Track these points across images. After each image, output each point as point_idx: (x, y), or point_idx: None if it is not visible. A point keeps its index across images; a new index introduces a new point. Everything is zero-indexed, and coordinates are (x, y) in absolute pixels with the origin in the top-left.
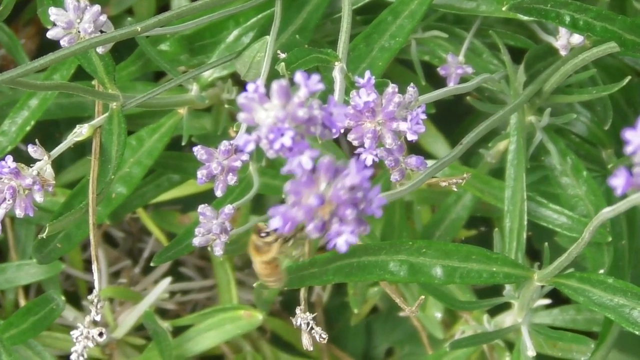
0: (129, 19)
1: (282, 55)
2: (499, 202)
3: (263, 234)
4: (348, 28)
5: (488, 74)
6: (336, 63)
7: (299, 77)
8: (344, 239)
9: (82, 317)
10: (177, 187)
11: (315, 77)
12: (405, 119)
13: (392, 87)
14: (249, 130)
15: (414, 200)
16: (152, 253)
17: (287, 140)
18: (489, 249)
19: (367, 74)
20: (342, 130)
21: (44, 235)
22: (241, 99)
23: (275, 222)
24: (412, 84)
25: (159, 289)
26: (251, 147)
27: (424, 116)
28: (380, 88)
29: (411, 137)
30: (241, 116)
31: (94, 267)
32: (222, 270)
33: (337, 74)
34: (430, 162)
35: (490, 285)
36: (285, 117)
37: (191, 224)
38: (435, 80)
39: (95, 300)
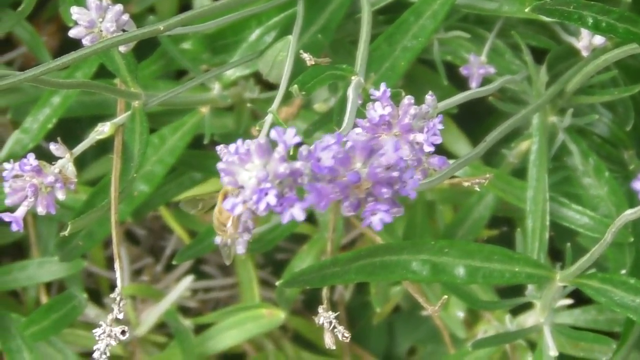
0: (151, 17)
1: (305, 55)
2: (521, 202)
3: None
4: (368, 37)
5: (510, 74)
6: (352, 78)
7: (274, 133)
8: (378, 218)
9: (104, 314)
10: (198, 185)
11: (291, 131)
12: (422, 130)
13: (408, 99)
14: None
15: (436, 200)
16: (173, 251)
17: (271, 199)
18: (511, 248)
19: (383, 86)
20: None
21: (66, 233)
22: (221, 164)
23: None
24: (430, 92)
25: (181, 287)
26: (239, 209)
27: (441, 126)
28: (395, 98)
29: (428, 148)
30: (224, 180)
31: (116, 264)
32: (244, 268)
33: (350, 92)
34: (451, 162)
35: (512, 285)
36: (266, 176)
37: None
38: (458, 80)
39: (118, 298)
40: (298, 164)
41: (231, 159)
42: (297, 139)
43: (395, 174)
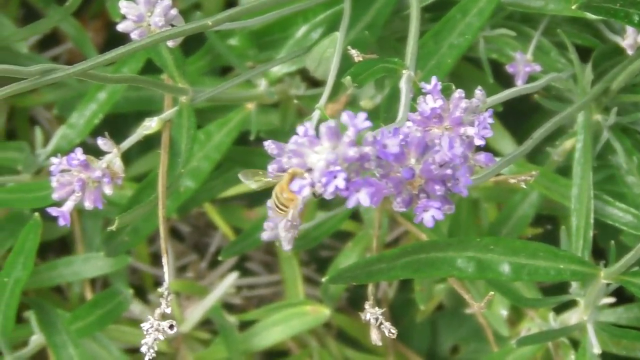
0: (198, 13)
1: (352, 51)
2: (566, 200)
3: None
4: (416, 33)
5: (556, 72)
6: (404, 71)
7: (345, 117)
8: (430, 214)
9: (149, 311)
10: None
11: (362, 115)
12: (472, 124)
13: (458, 93)
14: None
15: (480, 198)
16: (218, 247)
17: (340, 182)
18: (555, 247)
19: (434, 79)
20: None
21: (113, 227)
22: (291, 145)
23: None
24: (479, 87)
25: (226, 284)
26: (306, 191)
27: (491, 120)
28: (446, 92)
29: (479, 142)
30: (293, 162)
31: (164, 259)
32: (288, 265)
33: (403, 85)
34: (496, 159)
35: (556, 283)
36: (336, 159)
37: (258, 219)
38: (503, 78)
39: (166, 293)
40: (367, 149)
41: (300, 141)
42: (368, 123)
43: (448, 171)
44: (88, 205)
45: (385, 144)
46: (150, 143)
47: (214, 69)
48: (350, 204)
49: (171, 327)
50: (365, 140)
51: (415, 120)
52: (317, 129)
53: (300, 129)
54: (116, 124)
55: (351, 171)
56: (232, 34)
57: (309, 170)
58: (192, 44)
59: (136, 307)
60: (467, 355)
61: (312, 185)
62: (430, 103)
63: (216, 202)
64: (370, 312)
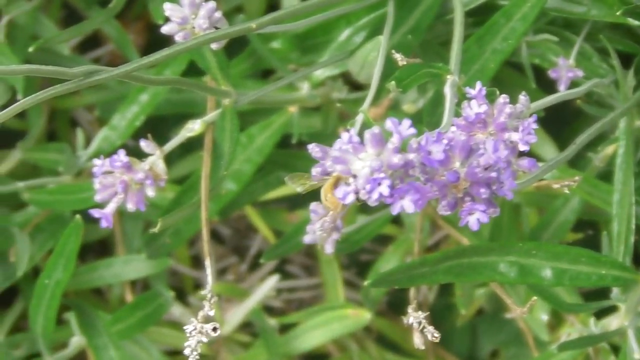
0: (241, 16)
1: (397, 55)
2: (607, 206)
3: None
4: (460, 38)
5: (598, 78)
6: (448, 76)
7: (389, 124)
8: (475, 218)
9: (189, 313)
10: (285, 185)
11: (406, 123)
12: (516, 129)
13: (503, 98)
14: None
15: (521, 202)
16: (259, 250)
17: (384, 189)
18: (596, 252)
19: (478, 84)
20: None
21: (155, 229)
22: (335, 151)
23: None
24: (523, 93)
25: (267, 286)
26: (351, 198)
27: (535, 126)
28: (490, 97)
29: (523, 147)
30: (337, 168)
31: (207, 262)
32: (328, 268)
33: (447, 90)
34: (541, 165)
35: (597, 288)
36: (380, 166)
37: (300, 222)
38: (545, 83)
39: (209, 295)
40: (411, 156)
41: (345, 147)
42: (413, 130)
43: (493, 174)
44: (130, 207)
45: (429, 150)
46: (191, 145)
47: (256, 72)
48: (395, 210)
49: (214, 329)
50: (410, 146)
51: (460, 125)
52: (360, 134)
53: (344, 135)
54: (156, 125)
55: (395, 178)
56: (275, 37)
57: (353, 176)
58: (234, 46)
59: (176, 310)
60: (507, 359)
61: (356, 192)
62: (474, 108)
63: (257, 204)
64: (413, 316)
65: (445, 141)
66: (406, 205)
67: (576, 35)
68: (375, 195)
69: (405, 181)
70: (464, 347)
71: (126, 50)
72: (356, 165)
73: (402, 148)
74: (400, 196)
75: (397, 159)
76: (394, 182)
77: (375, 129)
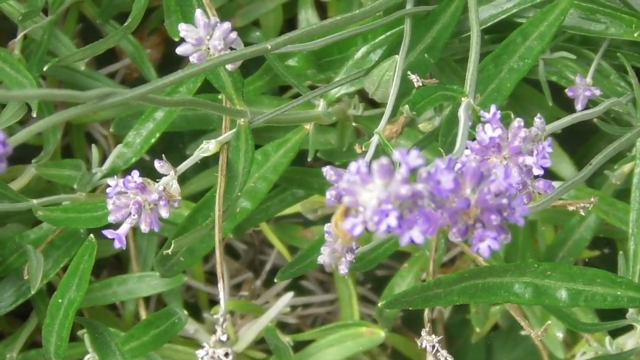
0: (257, 33)
1: (412, 77)
2: (624, 225)
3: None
4: (476, 59)
5: (615, 96)
6: (462, 99)
7: (396, 155)
8: (486, 245)
9: (203, 330)
10: (300, 201)
11: (414, 153)
12: (531, 153)
13: (517, 122)
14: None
15: (537, 220)
16: (274, 266)
17: (392, 221)
18: (612, 270)
19: (493, 108)
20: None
21: (169, 251)
22: (343, 183)
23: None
24: (539, 115)
25: (281, 304)
26: (359, 230)
27: (550, 150)
28: (505, 121)
29: (537, 171)
30: (345, 199)
31: (220, 285)
32: (343, 284)
33: (461, 114)
34: (555, 182)
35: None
36: (388, 198)
37: (315, 240)
38: (562, 101)
39: (221, 320)
40: (420, 186)
41: (352, 179)
42: (420, 161)
43: (504, 200)
44: (144, 228)
45: (439, 180)
46: (206, 160)
47: (272, 89)
48: (403, 242)
49: (227, 354)
50: (419, 176)
51: (474, 149)
52: (375, 156)
53: (352, 166)
54: (172, 139)
55: (404, 208)
56: (291, 55)
57: (362, 208)
58: (251, 63)
59: (191, 326)
60: None
61: (365, 223)
62: (489, 132)
63: (272, 220)
64: (427, 340)
65: (456, 168)
66: (415, 235)
67: (594, 52)
68: (383, 227)
69: (414, 211)
70: None
71: (142, 65)
72: (364, 197)
73: (411, 177)
74: (409, 227)
75: (405, 190)
76: (403, 212)
77: (383, 160)
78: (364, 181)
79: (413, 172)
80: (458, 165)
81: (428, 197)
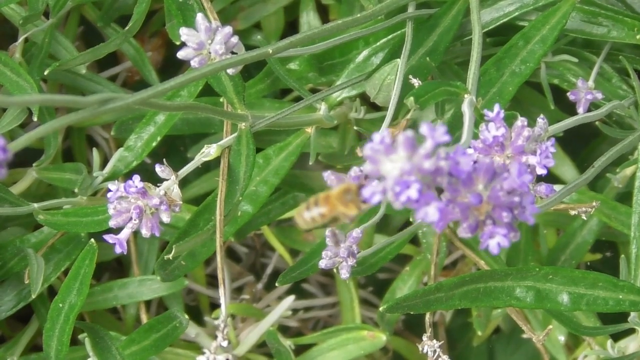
0: (259, 37)
1: (414, 81)
2: (626, 228)
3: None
4: (478, 60)
5: (617, 99)
6: (465, 95)
7: (424, 128)
8: (496, 241)
9: (204, 333)
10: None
11: (441, 129)
12: (534, 153)
13: (521, 121)
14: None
15: (539, 223)
16: (275, 269)
17: (413, 192)
18: (614, 273)
19: (497, 107)
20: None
21: (170, 256)
22: (367, 150)
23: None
24: (542, 116)
25: (282, 307)
26: (377, 198)
27: (553, 149)
28: (509, 120)
29: (540, 171)
30: (367, 167)
31: (221, 291)
32: (345, 288)
33: (465, 108)
34: (557, 185)
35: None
36: (411, 169)
37: (316, 244)
38: (564, 103)
39: (222, 325)
40: (442, 162)
41: (377, 148)
42: (447, 137)
43: (516, 198)
44: (145, 232)
45: (458, 161)
46: (207, 165)
47: (274, 91)
48: (419, 216)
49: None
50: (438, 155)
51: (478, 148)
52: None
53: (376, 136)
54: (173, 142)
55: (424, 184)
56: (293, 58)
57: (381, 177)
58: (252, 66)
59: (192, 330)
60: None
61: (384, 192)
62: (492, 131)
63: (273, 223)
64: (428, 345)
65: (473, 155)
66: (431, 212)
67: (596, 55)
68: (403, 198)
69: (432, 188)
70: None
71: (143, 68)
72: (386, 166)
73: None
74: (427, 202)
75: (428, 164)
76: (422, 187)
77: (409, 132)
78: (388, 151)
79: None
80: (472, 158)
81: (447, 177)
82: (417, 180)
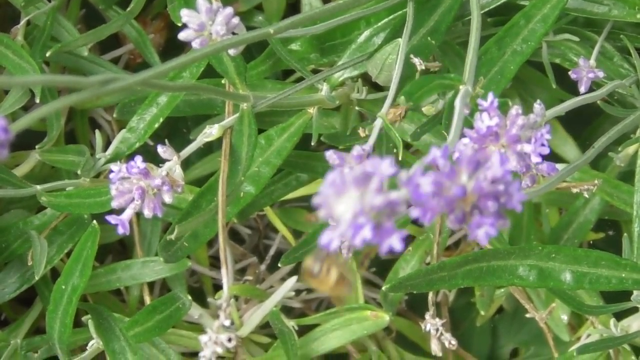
0: (260, 18)
1: (415, 60)
2: (628, 207)
3: (317, 264)
4: (476, 44)
5: (619, 78)
6: (461, 87)
7: (369, 166)
8: (484, 231)
9: (208, 315)
10: (305, 186)
11: (386, 162)
12: (529, 141)
13: (515, 109)
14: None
15: (542, 203)
16: (278, 250)
17: (367, 233)
18: (617, 252)
19: (490, 96)
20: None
21: (172, 236)
22: (317, 198)
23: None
24: (538, 101)
25: (285, 288)
26: (336, 243)
27: (548, 136)
28: (503, 108)
29: (535, 159)
30: (321, 213)
31: (223, 270)
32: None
33: (457, 103)
34: (559, 165)
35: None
36: (361, 210)
37: (319, 223)
38: (566, 82)
39: (225, 305)
40: (394, 195)
41: (327, 192)
42: (392, 170)
43: (501, 187)
44: (147, 213)
45: (418, 183)
46: (210, 145)
47: (275, 73)
48: (383, 250)
49: (230, 340)
50: (400, 180)
51: (472, 138)
52: (380, 139)
53: (329, 177)
54: (175, 123)
55: (382, 216)
56: (295, 39)
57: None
58: (254, 47)
59: (195, 311)
60: (527, 358)
61: (341, 236)
62: (486, 121)
63: (276, 204)
64: (431, 323)
65: (454, 157)
66: (394, 244)
67: (597, 34)
68: (358, 240)
69: (393, 218)
70: (483, 347)
71: (145, 50)
72: (339, 209)
73: (392, 184)
74: (388, 235)
75: (379, 201)
76: (381, 220)
77: (358, 169)
78: (339, 192)
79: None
80: (456, 155)
81: (410, 201)
82: (368, 220)
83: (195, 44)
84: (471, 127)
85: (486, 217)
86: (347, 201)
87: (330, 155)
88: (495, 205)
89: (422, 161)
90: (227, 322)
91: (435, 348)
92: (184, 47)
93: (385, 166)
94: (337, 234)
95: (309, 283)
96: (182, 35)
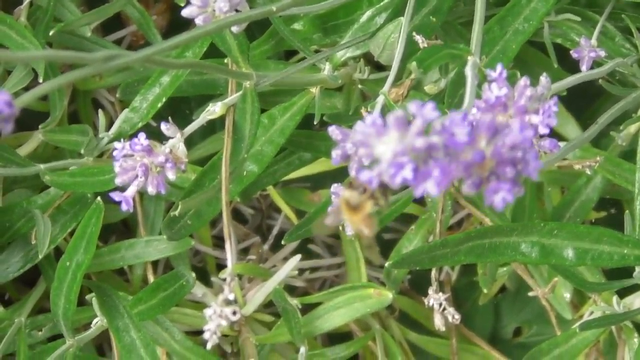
0: None
1: (417, 38)
2: (630, 185)
3: (358, 191)
4: (482, 19)
5: (620, 57)
6: (469, 57)
7: (413, 107)
8: (501, 197)
9: (211, 293)
10: (307, 165)
11: (429, 106)
12: (537, 112)
13: (524, 80)
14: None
15: (544, 182)
16: (281, 230)
17: (408, 173)
18: (619, 230)
19: (499, 67)
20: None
21: (176, 213)
22: (357, 134)
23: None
24: (545, 74)
25: (289, 266)
26: (376, 182)
27: (555, 108)
28: (511, 80)
29: (543, 130)
30: (360, 152)
31: (227, 245)
32: (351, 248)
33: (468, 71)
34: (560, 144)
35: (620, 266)
36: (403, 150)
37: (322, 202)
38: (567, 63)
39: (228, 279)
40: (434, 138)
41: (368, 131)
42: (436, 113)
43: (519, 154)
44: (151, 190)
45: (453, 132)
46: (213, 126)
47: (278, 53)
48: (418, 193)
49: (234, 313)
50: (434, 128)
51: (481, 108)
52: (383, 115)
53: (368, 118)
54: (178, 105)
55: (419, 160)
56: (297, 18)
57: (377, 161)
58: (256, 27)
59: (198, 290)
60: (530, 337)
61: (380, 175)
62: (495, 91)
63: (279, 184)
64: (434, 298)
65: (468, 127)
66: (429, 187)
67: (598, 14)
68: (398, 179)
69: (429, 163)
70: (487, 325)
71: (148, 32)
72: (379, 149)
73: (426, 130)
74: (424, 178)
75: (420, 142)
76: (418, 164)
77: (399, 112)
78: (379, 133)
79: (427, 125)
80: (468, 127)
81: (442, 149)
82: (410, 160)
83: (198, 21)
84: (479, 98)
85: (503, 183)
86: (388, 141)
87: (333, 130)
88: (513, 171)
89: (449, 114)
90: (231, 296)
91: (438, 323)
92: (187, 29)
93: (428, 110)
94: (376, 172)
95: (344, 213)
96: (185, 12)
